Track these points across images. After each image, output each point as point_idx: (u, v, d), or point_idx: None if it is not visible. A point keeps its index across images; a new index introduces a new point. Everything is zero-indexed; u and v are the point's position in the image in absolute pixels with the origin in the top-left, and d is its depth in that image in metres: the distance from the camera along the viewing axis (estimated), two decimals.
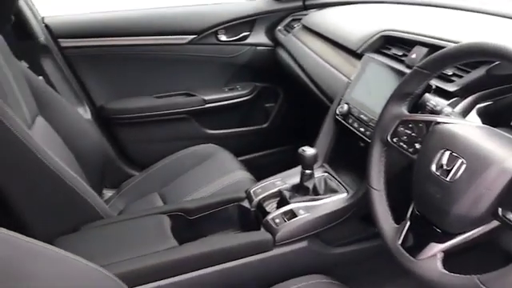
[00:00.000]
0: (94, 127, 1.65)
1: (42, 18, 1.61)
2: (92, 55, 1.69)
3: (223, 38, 1.83)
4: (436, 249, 0.75)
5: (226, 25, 1.81)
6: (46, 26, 1.60)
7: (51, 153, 1.18)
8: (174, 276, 0.95)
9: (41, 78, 1.53)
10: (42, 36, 1.56)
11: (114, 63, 1.72)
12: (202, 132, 1.84)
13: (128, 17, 1.74)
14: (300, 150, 1.07)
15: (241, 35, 1.84)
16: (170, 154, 1.62)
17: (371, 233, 1.09)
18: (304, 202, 1.07)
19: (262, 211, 1.11)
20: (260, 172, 1.39)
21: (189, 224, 1.14)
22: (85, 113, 1.70)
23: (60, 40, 1.63)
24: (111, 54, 1.69)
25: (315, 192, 1.11)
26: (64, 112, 1.47)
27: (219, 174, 1.47)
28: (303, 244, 1.05)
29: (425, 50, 1.02)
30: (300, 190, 1.11)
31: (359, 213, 1.07)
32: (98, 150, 1.56)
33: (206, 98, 1.80)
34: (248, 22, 1.84)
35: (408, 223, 0.81)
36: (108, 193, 1.72)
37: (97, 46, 1.67)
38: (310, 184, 1.10)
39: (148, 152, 1.80)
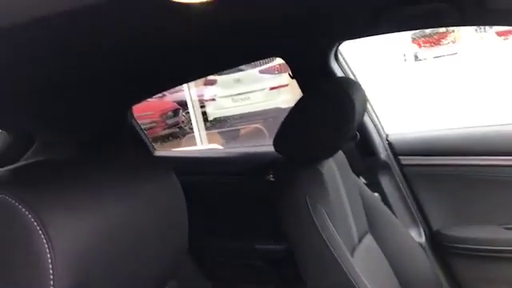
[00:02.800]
0: (426, 253, 1.48)
1: (387, 136, 1.62)
2: (433, 174, 1.55)
3: None
4: None
5: None
6: (389, 144, 1.60)
7: (372, 277, 1.12)
8: None
9: (376, 194, 1.52)
10: (383, 153, 1.56)
11: (457, 185, 1.52)
12: None
13: (476, 134, 1.53)
14: None
15: None
16: None
17: None
18: None
19: None
20: None
21: None
22: (418, 236, 1.56)
23: (401, 157, 1.59)
24: (455, 174, 1.51)
25: None
26: (395, 232, 1.39)
27: None
28: None
29: None
30: None
31: None
32: (427, 280, 1.38)
33: None
34: None
35: None
36: None
37: (439, 164, 1.53)
38: None
39: None
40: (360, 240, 1.28)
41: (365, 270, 1.13)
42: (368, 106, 1.60)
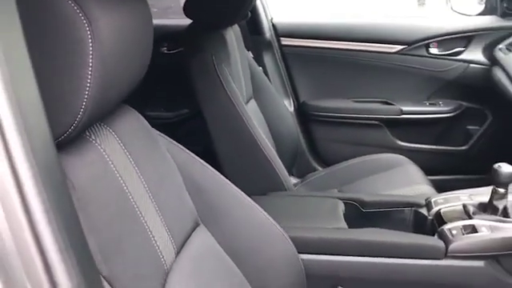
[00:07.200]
0: (293, 119, 1.82)
1: (271, 19, 1.86)
2: (305, 55, 1.87)
3: (434, 51, 1.79)
4: None
5: (439, 38, 1.77)
6: (273, 26, 1.85)
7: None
8: (338, 255, 1.00)
9: (260, 68, 1.78)
10: (268, 33, 1.81)
11: (322, 64, 1.87)
12: (393, 142, 1.84)
13: (343, 23, 1.87)
14: (496, 165, 1.00)
15: (454, 50, 1.78)
16: (356, 157, 1.68)
17: None
18: (490, 220, 1.00)
19: (439, 221, 1.08)
20: None
21: (361, 215, 1.17)
22: (289, 105, 1.89)
23: (282, 38, 1.86)
24: (322, 55, 1.85)
25: (505, 214, 1.02)
26: (272, 100, 1.68)
27: (403, 184, 1.46)
28: (478, 263, 0.97)
29: None
30: (488, 208, 1.03)
31: None
32: (292, 140, 1.72)
33: (404, 108, 1.79)
34: (464, 38, 1.77)
35: None
36: (293, 180, 1.88)
37: (311, 46, 1.84)
38: (500, 204, 1.01)
39: (336, 151, 1.89)
40: (247, 102, 1.53)
41: None
42: None
